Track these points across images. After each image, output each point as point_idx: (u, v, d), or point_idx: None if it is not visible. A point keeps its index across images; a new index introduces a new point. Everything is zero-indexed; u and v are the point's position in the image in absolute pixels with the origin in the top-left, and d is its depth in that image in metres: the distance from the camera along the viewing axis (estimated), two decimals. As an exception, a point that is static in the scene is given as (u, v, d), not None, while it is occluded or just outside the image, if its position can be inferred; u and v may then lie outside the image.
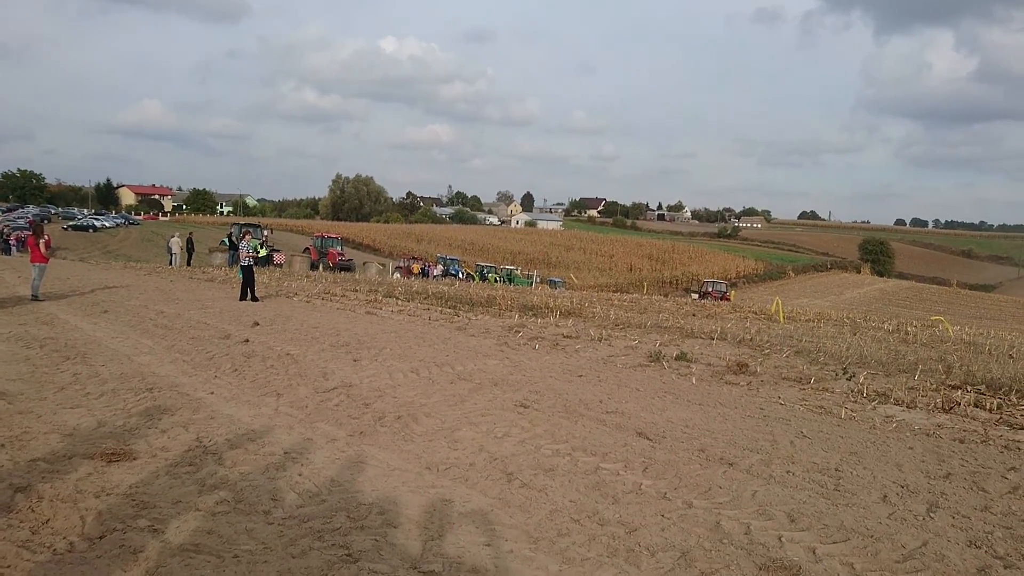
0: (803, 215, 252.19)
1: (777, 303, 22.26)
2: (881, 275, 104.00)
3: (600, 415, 7.29)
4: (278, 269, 34.49)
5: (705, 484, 5.35)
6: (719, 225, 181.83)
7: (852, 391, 8.68)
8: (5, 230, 44.84)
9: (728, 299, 46.96)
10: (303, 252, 51.15)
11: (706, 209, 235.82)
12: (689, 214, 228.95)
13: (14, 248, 37.81)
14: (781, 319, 19.36)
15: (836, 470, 5.77)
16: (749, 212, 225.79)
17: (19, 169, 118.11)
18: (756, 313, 21.66)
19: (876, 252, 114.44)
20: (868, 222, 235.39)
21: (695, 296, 49.13)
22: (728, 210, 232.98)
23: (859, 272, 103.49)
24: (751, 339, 13.02)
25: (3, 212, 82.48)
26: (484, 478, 5.39)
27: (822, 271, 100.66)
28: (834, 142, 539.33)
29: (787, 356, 11.20)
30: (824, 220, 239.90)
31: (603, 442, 6.33)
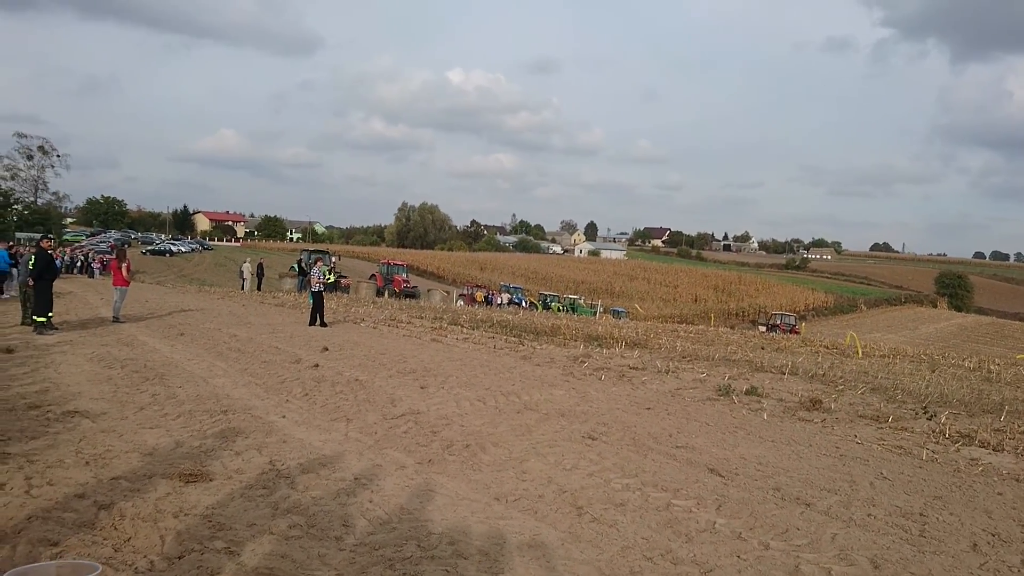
0: (875, 247, 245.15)
1: (852, 337, 21.60)
2: (959, 310, 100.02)
3: (670, 449, 7.15)
4: (345, 295, 35.18)
5: (782, 525, 5.18)
6: (787, 256, 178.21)
7: (933, 431, 8.32)
8: (90, 254, 46.94)
9: (797, 332, 45.88)
10: (369, 279, 52.10)
11: (774, 240, 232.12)
12: (756, 245, 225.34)
13: (97, 271, 39.46)
14: (858, 353, 18.77)
15: (920, 515, 5.52)
16: (818, 243, 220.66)
17: (103, 195, 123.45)
18: (827, 347, 21.05)
19: (953, 286, 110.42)
20: (944, 255, 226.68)
21: (763, 329, 48.12)
22: (796, 241, 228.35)
23: (935, 307, 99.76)
24: (823, 374, 12.65)
25: (87, 236, 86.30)
26: (553, 511, 5.32)
27: (896, 305, 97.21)
28: (908, 172, 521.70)
29: (862, 393, 10.83)
30: (897, 252, 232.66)
31: (674, 477, 6.20)
